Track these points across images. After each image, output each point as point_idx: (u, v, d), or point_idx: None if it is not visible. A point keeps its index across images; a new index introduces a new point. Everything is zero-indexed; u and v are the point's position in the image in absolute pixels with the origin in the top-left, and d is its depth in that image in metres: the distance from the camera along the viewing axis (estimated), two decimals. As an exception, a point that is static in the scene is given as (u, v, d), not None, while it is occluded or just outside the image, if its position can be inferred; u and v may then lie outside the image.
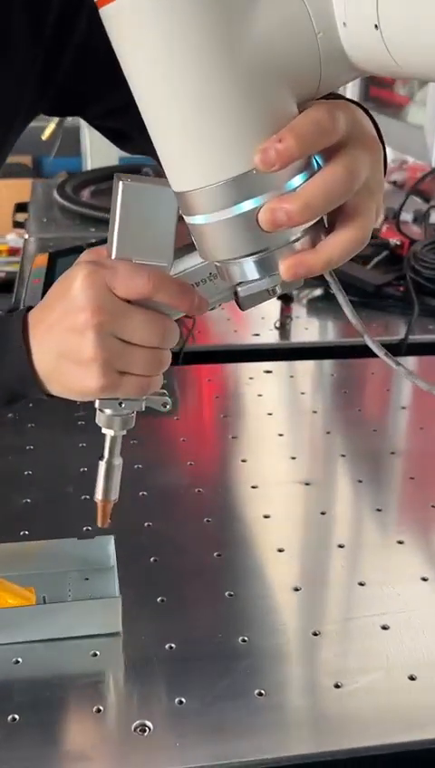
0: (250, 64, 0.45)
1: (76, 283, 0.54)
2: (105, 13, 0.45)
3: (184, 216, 0.51)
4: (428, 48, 0.41)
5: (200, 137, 0.46)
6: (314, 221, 0.49)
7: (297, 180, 0.47)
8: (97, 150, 3.06)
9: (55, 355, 0.57)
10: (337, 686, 0.65)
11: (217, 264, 0.52)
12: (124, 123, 0.77)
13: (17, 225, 2.07)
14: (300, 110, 0.47)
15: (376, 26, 0.43)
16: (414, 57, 0.43)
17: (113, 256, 0.55)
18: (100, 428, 0.63)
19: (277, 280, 0.52)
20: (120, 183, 0.53)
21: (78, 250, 1.48)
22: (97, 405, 0.60)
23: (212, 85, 0.45)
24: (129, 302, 0.55)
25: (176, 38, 0.44)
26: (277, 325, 1.32)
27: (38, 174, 3.42)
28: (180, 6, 0.44)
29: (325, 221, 0.51)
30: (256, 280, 0.52)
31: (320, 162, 0.49)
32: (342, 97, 0.56)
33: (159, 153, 0.49)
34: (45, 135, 1.99)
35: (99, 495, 0.64)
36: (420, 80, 0.47)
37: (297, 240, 0.49)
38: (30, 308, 0.59)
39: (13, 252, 2.96)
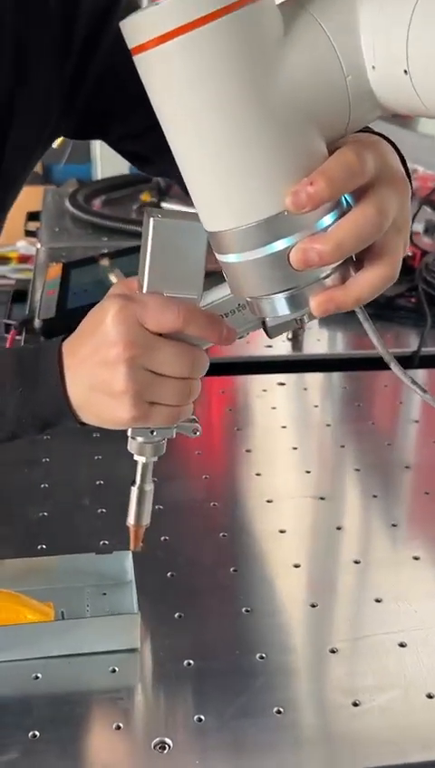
0: (280, 108, 0.46)
1: (108, 318, 0.55)
2: (139, 60, 0.46)
3: (216, 254, 0.52)
4: None
5: (232, 180, 0.47)
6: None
7: (328, 220, 0.49)
8: (107, 158, 3.07)
9: (88, 387, 0.58)
10: (355, 705, 0.66)
11: (248, 299, 0.53)
12: (144, 146, 0.78)
13: (28, 233, 2.08)
14: (329, 150, 0.48)
15: (405, 71, 0.43)
16: None
17: (145, 290, 0.56)
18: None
19: (306, 311, 0.53)
20: (151, 219, 0.54)
21: (91, 261, 1.50)
22: (129, 433, 0.62)
23: (243, 129, 0.46)
24: (160, 334, 0.56)
25: (206, 85, 0.45)
26: (289, 337, 1.32)
27: (48, 181, 3.44)
28: (210, 54, 0.44)
29: (354, 256, 0.52)
30: (287, 315, 0.53)
31: (349, 200, 0.50)
32: (369, 129, 0.57)
33: (191, 194, 0.50)
34: (56, 143, 2.01)
35: (131, 520, 0.65)
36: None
37: (327, 277, 0.50)
38: (64, 337, 0.60)
39: (23, 259, 2.97)
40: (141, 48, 0.46)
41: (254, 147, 0.47)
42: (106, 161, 3.10)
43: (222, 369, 1.23)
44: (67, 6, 0.69)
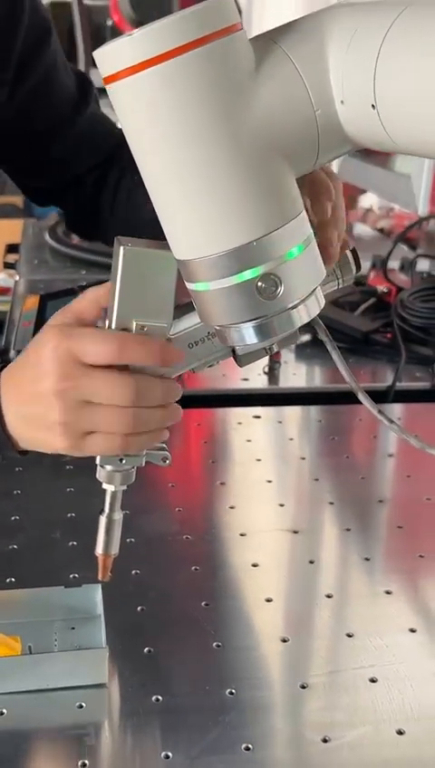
0: (250, 140, 0.47)
1: (44, 350, 0.56)
2: (111, 89, 0.47)
3: (186, 282, 0.52)
4: (422, 127, 0.43)
5: (201, 209, 0.48)
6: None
7: (296, 251, 0.49)
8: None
9: (23, 417, 0.59)
10: (325, 741, 0.65)
11: (217, 328, 0.54)
12: (47, 180, 0.84)
13: (7, 266, 2.08)
14: (298, 182, 0.49)
15: (373, 106, 0.44)
16: (409, 135, 0.45)
17: (114, 318, 0.56)
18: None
19: (274, 340, 0.53)
20: (121, 248, 0.55)
21: (69, 293, 1.49)
22: (98, 461, 0.61)
23: (213, 161, 0.47)
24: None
25: (177, 116, 0.46)
26: (266, 370, 1.32)
27: (29, 214, 3.45)
28: (182, 86, 0.45)
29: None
30: (255, 343, 0.53)
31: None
32: None
33: (161, 222, 0.51)
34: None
35: (99, 550, 0.65)
36: (415, 155, 0.49)
37: (294, 308, 0.51)
38: (2, 367, 0.61)
39: (2, 291, 2.96)
40: (114, 78, 0.47)
41: (223, 178, 0.47)
42: (87, 196, 3.13)
43: (198, 401, 1.23)
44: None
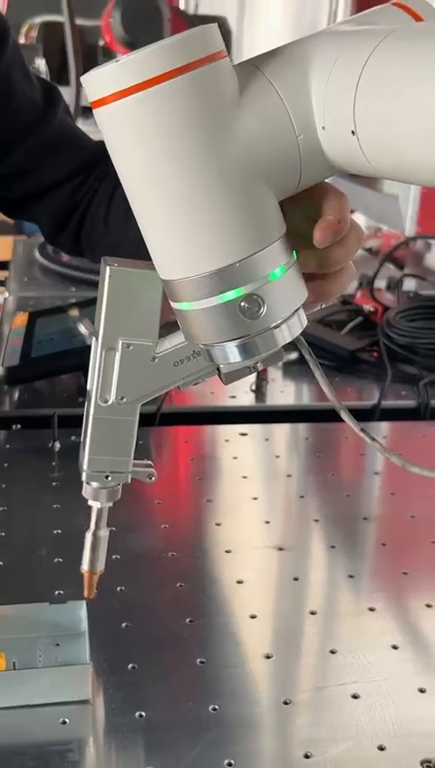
0: (234, 166, 0.48)
1: None
2: (98, 113, 0.48)
3: (170, 302, 0.53)
4: (399, 155, 0.44)
5: (185, 231, 0.49)
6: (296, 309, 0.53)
7: (278, 272, 0.50)
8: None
9: None
10: (307, 756, 0.65)
11: (201, 347, 0.55)
12: (14, 191, 0.83)
13: (-3, 283, 2.09)
14: (282, 206, 0.51)
15: (353, 132, 0.46)
16: (387, 161, 0.46)
17: (100, 337, 0.57)
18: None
19: (259, 358, 0.54)
20: (108, 268, 0.56)
21: (58, 310, 1.50)
22: (83, 478, 0.62)
23: (196, 185, 0.48)
24: None
25: (161, 140, 0.47)
26: (253, 388, 1.34)
27: (20, 231, 3.46)
28: (166, 111, 0.46)
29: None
30: (238, 362, 0.54)
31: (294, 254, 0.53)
32: None
33: (146, 242, 0.52)
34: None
35: (85, 566, 0.65)
36: (394, 180, 0.50)
37: (277, 327, 0.52)
38: None
39: (-8, 308, 2.97)
40: (101, 102, 0.48)
41: (207, 202, 0.49)
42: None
43: (186, 418, 1.24)
44: None
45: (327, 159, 0.50)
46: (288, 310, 0.53)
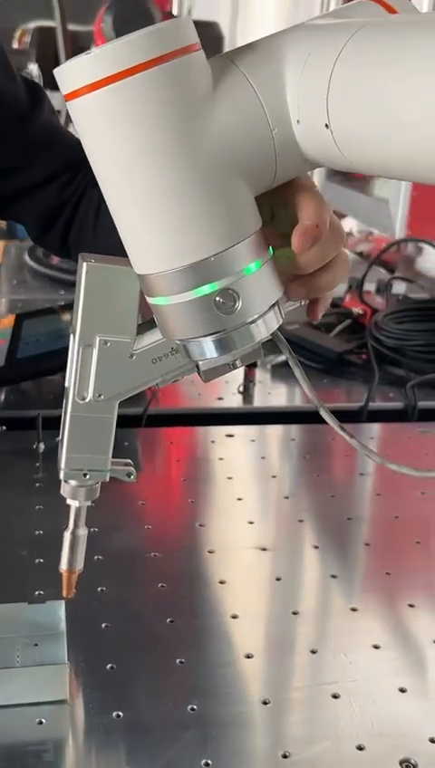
0: (208, 159, 0.48)
1: None
2: (71, 105, 0.48)
3: (146, 297, 0.53)
4: (372, 147, 0.44)
5: (161, 226, 0.49)
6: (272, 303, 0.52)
7: (254, 266, 0.50)
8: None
9: None
10: (285, 756, 0.64)
11: (178, 342, 0.54)
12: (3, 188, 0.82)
13: (-13, 285, 2.09)
14: (257, 200, 0.50)
15: (326, 125, 0.45)
16: (360, 154, 0.46)
17: (78, 333, 0.57)
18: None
19: (237, 355, 0.54)
20: (85, 264, 0.56)
21: (44, 312, 1.50)
22: (62, 476, 0.61)
23: (170, 178, 0.47)
24: None
25: (134, 133, 0.47)
26: (241, 389, 1.33)
27: (12, 236, 3.46)
28: (139, 104, 0.46)
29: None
30: (215, 357, 0.53)
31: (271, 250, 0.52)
32: None
33: (121, 237, 0.52)
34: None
35: (63, 566, 0.65)
36: (368, 174, 0.50)
37: (253, 322, 0.51)
38: None
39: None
40: (74, 94, 0.48)
41: (181, 196, 0.48)
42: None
43: (173, 420, 1.24)
44: None
45: (302, 153, 0.50)
46: (264, 305, 0.52)
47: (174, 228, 0.49)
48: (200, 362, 0.59)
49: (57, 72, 0.48)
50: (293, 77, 0.48)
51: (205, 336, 0.52)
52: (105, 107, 0.47)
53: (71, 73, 0.47)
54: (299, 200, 0.54)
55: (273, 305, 0.53)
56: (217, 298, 0.50)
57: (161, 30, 0.47)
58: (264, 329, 0.53)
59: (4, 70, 0.89)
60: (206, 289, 0.50)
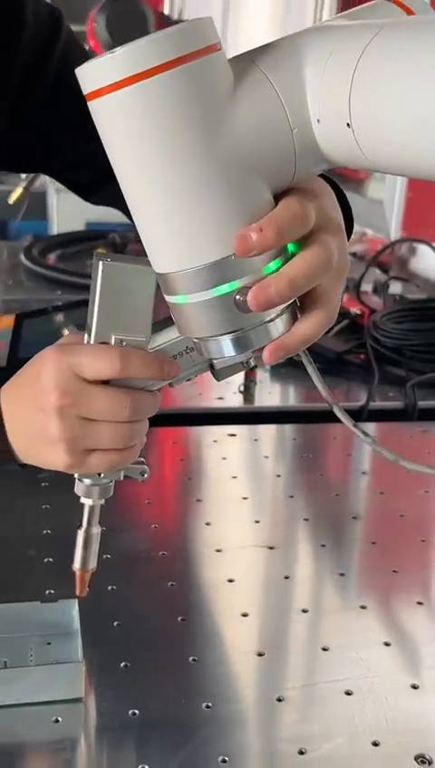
0: (229, 158, 0.48)
1: (43, 366, 0.56)
2: (93, 105, 0.48)
3: (164, 295, 0.53)
4: (395, 146, 0.45)
5: (181, 225, 0.49)
6: (289, 303, 0.52)
7: (273, 265, 0.50)
8: (63, 214, 3.10)
9: (26, 434, 0.59)
10: (301, 753, 0.65)
11: (195, 340, 0.54)
12: (86, 176, 0.80)
13: (-18, 286, 2.08)
14: (276, 199, 0.50)
15: (348, 125, 0.46)
16: (383, 153, 0.46)
17: (93, 332, 0.57)
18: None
19: (252, 353, 0.54)
20: (100, 263, 0.56)
21: (44, 312, 1.50)
22: (76, 475, 0.62)
23: (191, 177, 0.48)
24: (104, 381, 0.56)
25: (156, 133, 0.47)
26: (241, 389, 1.34)
27: (4, 236, 3.45)
28: (161, 104, 0.46)
29: (298, 302, 0.54)
30: (232, 356, 0.54)
31: (292, 248, 0.52)
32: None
33: (141, 236, 0.52)
34: (12, 199, 2.02)
35: (77, 565, 0.65)
36: (389, 173, 0.50)
37: (271, 321, 0.52)
38: (2, 382, 0.61)
39: (-24, 312, 2.96)
40: (96, 94, 0.48)
41: (202, 194, 0.48)
42: (62, 218, 3.13)
43: (174, 419, 1.24)
44: (5, 35, 0.71)
45: (322, 153, 0.50)
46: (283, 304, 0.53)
47: (194, 227, 0.49)
48: (215, 361, 0.59)
49: (79, 71, 0.48)
50: (314, 76, 0.49)
51: (223, 335, 0.52)
52: (127, 106, 0.47)
53: (92, 73, 0.48)
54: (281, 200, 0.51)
55: (290, 304, 0.54)
56: (237, 297, 0.50)
57: (183, 30, 0.47)
58: (282, 327, 0.54)
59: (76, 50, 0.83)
60: (225, 288, 0.50)
